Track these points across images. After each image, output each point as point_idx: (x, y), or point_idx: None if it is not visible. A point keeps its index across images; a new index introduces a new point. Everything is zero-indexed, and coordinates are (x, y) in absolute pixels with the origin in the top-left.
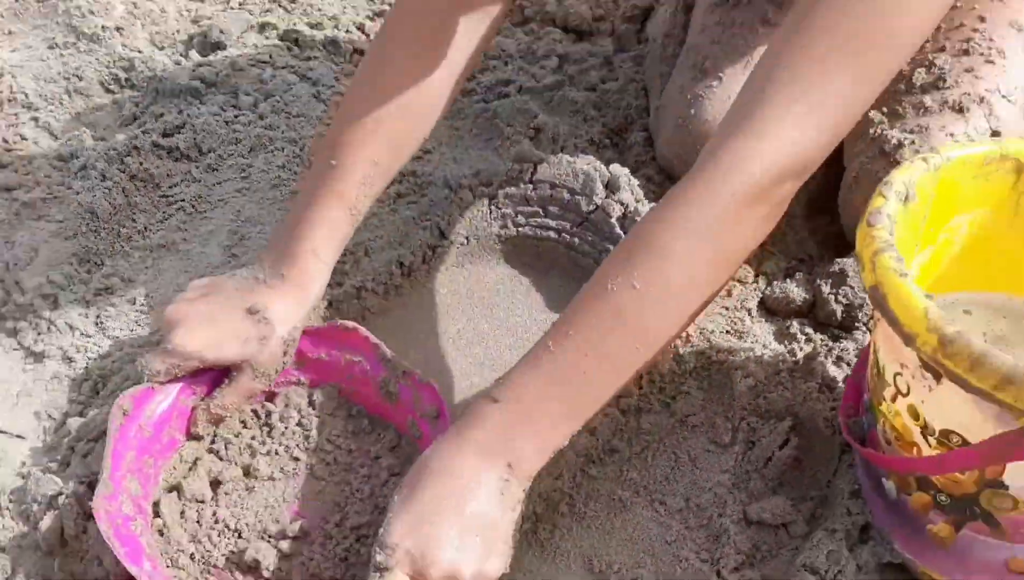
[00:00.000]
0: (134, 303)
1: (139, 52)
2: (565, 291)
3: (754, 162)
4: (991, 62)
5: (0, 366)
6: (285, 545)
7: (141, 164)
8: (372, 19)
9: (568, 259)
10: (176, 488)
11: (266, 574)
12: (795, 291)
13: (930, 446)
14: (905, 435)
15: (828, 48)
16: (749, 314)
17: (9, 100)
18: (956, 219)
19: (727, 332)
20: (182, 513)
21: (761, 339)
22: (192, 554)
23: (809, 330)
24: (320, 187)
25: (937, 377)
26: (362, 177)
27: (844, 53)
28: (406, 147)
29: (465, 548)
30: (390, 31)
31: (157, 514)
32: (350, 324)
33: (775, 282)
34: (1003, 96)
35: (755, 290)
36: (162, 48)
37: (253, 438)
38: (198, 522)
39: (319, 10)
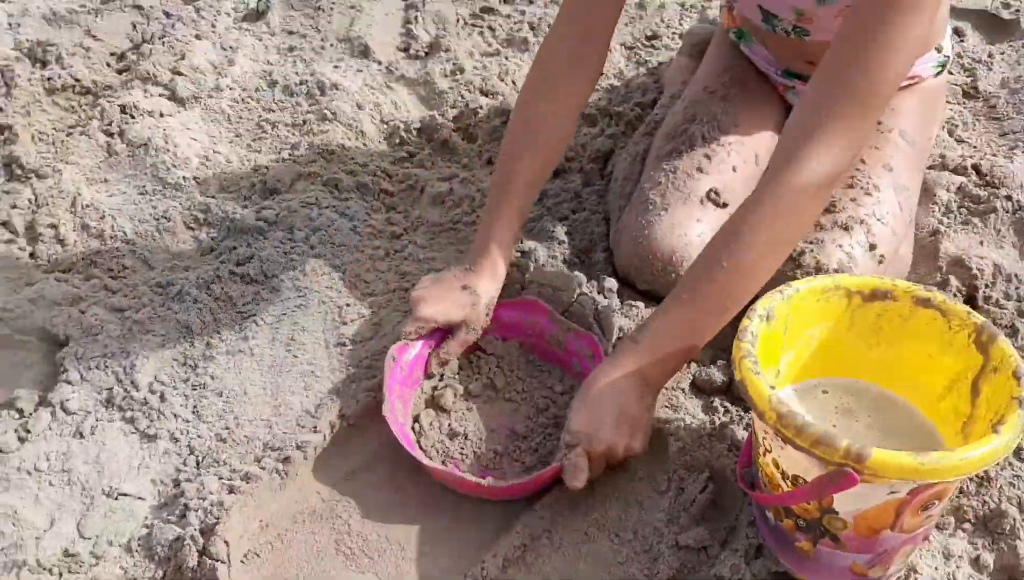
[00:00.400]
0: (221, 395)
1: (213, 197)
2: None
3: (809, 175)
4: (868, 194)
5: (122, 446)
6: (498, 445)
7: (222, 288)
8: (394, 164)
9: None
10: (428, 405)
11: (484, 462)
12: (717, 375)
13: (786, 486)
14: (773, 479)
15: (847, 96)
16: (683, 392)
17: (111, 237)
18: (809, 330)
19: (665, 406)
20: (431, 424)
21: (691, 411)
22: (439, 449)
23: (727, 404)
24: (496, 201)
25: (784, 439)
26: (523, 190)
27: (857, 100)
28: (549, 165)
29: (619, 431)
30: (537, 71)
31: (415, 423)
32: (530, 297)
33: (702, 367)
34: (877, 219)
35: (687, 374)
36: (230, 193)
37: (468, 376)
38: (440, 430)
39: (352, 159)
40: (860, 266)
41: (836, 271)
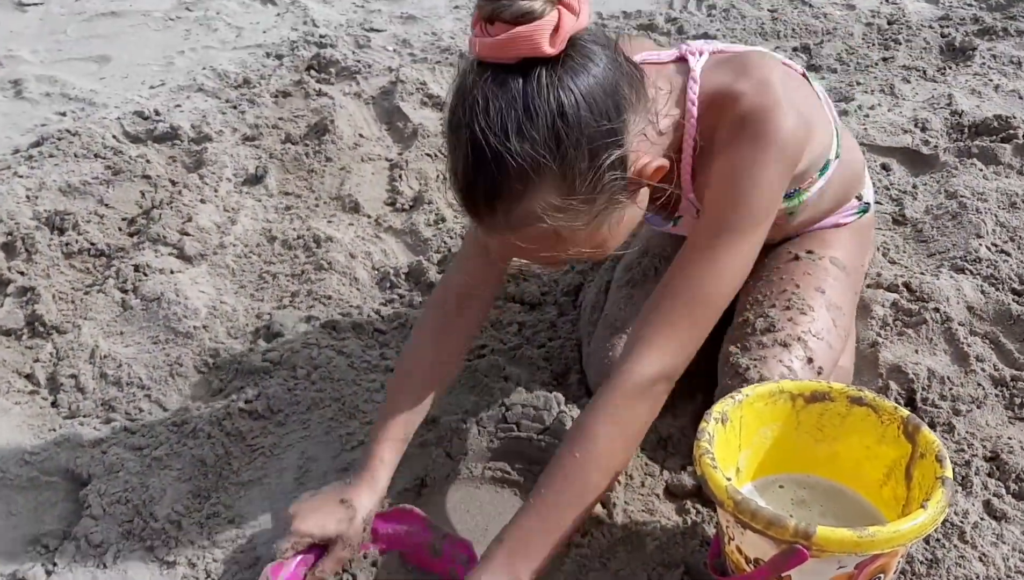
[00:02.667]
0: (233, 522)
1: (221, 343)
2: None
3: (637, 375)
4: (804, 313)
5: (143, 573)
6: None
7: (232, 424)
8: (385, 305)
9: (537, 453)
10: None
11: None
12: (687, 480)
13: (749, 569)
14: (739, 565)
15: (677, 307)
16: (657, 497)
17: (128, 383)
18: (762, 430)
19: (642, 511)
20: None
21: (665, 514)
22: None
23: (698, 506)
24: (382, 422)
25: (743, 526)
26: (405, 420)
27: (687, 310)
28: (438, 388)
29: None
30: (427, 310)
31: None
32: (407, 506)
33: (674, 474)
34: (813, 335)
35: (661, 480)
36: (237, 339)
37: None
38: None
39: (347, 303)
40: (799, 378)
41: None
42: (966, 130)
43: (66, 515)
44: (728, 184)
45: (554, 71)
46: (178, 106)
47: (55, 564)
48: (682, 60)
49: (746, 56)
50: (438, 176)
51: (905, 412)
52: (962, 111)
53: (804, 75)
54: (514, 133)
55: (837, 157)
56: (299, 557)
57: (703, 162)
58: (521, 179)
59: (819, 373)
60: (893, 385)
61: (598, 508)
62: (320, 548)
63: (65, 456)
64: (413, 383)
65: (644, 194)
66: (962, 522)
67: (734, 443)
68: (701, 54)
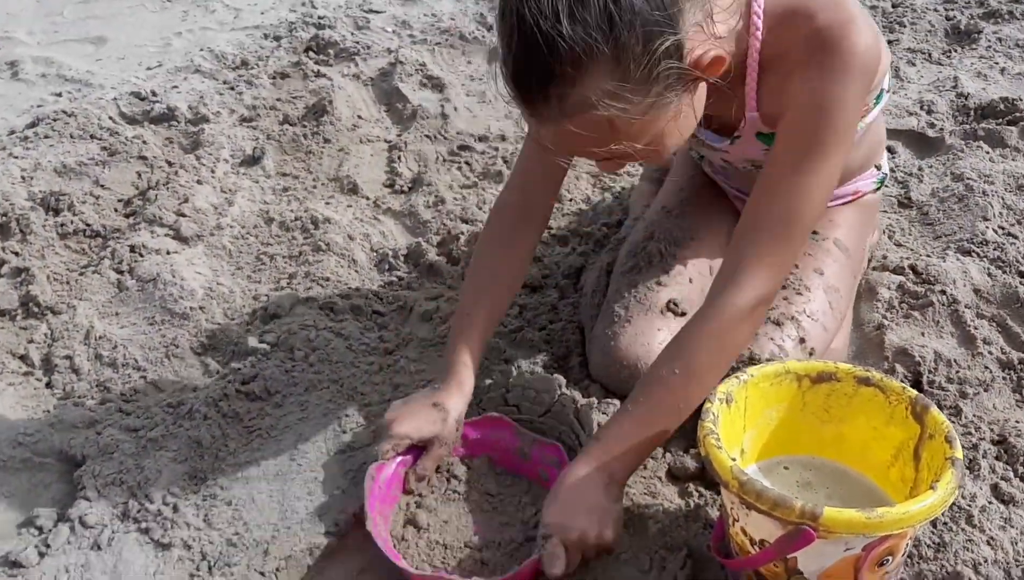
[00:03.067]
0: (230, 504)
1: (218, 324)
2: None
3: (741, 299)
4: (800, 294)
5: (138, 555)
6: (478, 552)
7: (229, 406)
8: (384, 287)
9: (539, 434)
10: (408, 523)
11: (468, 568)
12: (690, 462)
13: (755, 551)
14: (743, 547)
15: (771, 231)
16: (659, 480)
17: (123, 365)
18: (767, 411)
19: (644, 494)
20: (413, 539)
21: (668, 497)
22: (423, 562)
23: (701, 488)
24: (458, 332)
25: (748, 507)
26: (482, 325)
27: (780, 233)
28: (503, 303)
29: (590, 520)
30: (490, 225)
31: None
32: (495, 414)
33: (677, 457)
34: (808, 316)
35: (664, 463)
36: (234, 320)
37: (444, 491)
38: (421, 543)
39: (345, 285)
40: (790, 358)
41: (768, 361)
42: (972, 113)
43: (60, 497)
44: (809, 104)
45: None
46: (175, 87)
47: (48, 546)
48: None
49: None
50: (437, 157)
51: (913, 392)
52: (968, 94)
53: None
54: (565, 16)
55: (888, 90)
56: (399, 459)
57: (770, 80)
58: (574, 63)
59: (811, 354)
60: (899, 368)
61: None
62: (417, 450)
63: (59, 437)
64: (484, 290)
65: (701, 91)
66: (970, 505)
67: (739, 424)
68: None
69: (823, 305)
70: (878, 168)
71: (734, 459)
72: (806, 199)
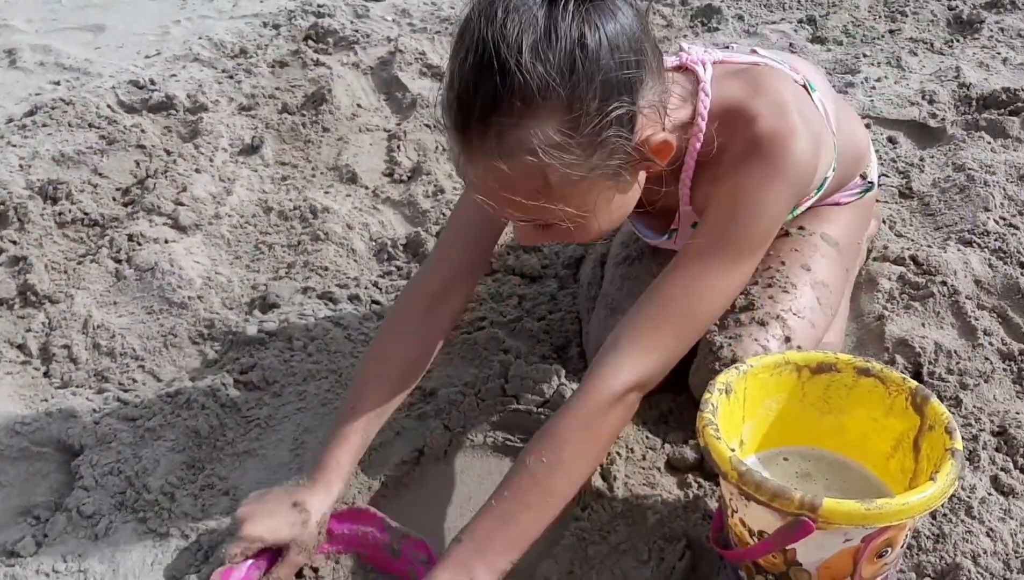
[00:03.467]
0: (227, 494)
1: (216, 314)
2: None
3: (613, 382)
4: (786, 291)
5: (136, 545)
6: None
7: (227, 395)
8: (383, 277)
9: (537, 425)
10: None
11: None
12: (689, 453)
13: (754, 542)
14: (742, 538)
15: (662, 318)
16: (658, 471)
17: (121, 354)
18: (766, 402)
19: (643, 484)
20: None
21: (667, 487)
22: None
23: (700, 479)
24: (341, 422)
25: (747, 498)
26: (365, 423)
27: (670, 322)
28: (402, 392)
29: None
30: (396, 312)
31: None
32: (362, 506)
33: (676, 448)
34: (794, 314)
35: (662, 454)
36: (232, 310)
37: None
38: None
39: (344, 274)
40: None
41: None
42: (974, 103)
43: (58, 486)
44: (734, 203)
45: (582, 4)
46: (174, 76)
47: (46, 535)
48: (684, 69)
49: (756, 72)
50: (437, 147)
51: (913, 383)
52: (970, 84)
53: (804, 87)
54: (528, 48)
55: (833, 170)
56: (250, 562)
57: (705, 175)
58: (524, 98)
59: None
60: (900, 359)
61: (599, 481)
62: (272, 553)
63: (57, 427)
64: (377, 385)
65: (639, 182)
66: (969, 497)
67: (738, 415)
68: (704, 64)
69: (811, 301)
70: (863, 177)
71: (733, 450)
72: (706, 297)
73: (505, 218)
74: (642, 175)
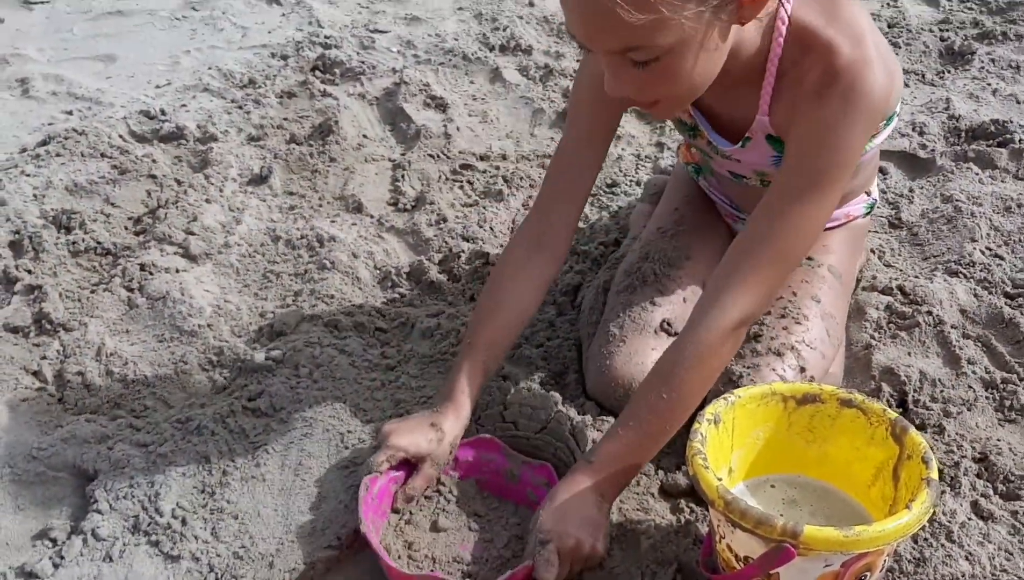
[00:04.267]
0: (237, 518)
1: (225, 342)
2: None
3: (723, 321)
4: (799, 322)
5: (148, 567)
6: (466, 566)
7: (236, 422)
8: (387, 304)
9: (535, 451)
10: (397, 536)
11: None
12: (681, 480)
13: (740, 567)
14: (729, 563)
15: (760, 258)
16: (652, 496)
17: (133, 381)
18: (754, 431)
19: (637, 509)
20: (399, 556)
21: (659, 513)
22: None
23: (692, 505)
24: (462, 359)
25: (733, 525)
26: (486, 351)
27: (769, 260)
28: (511, 333)
29: (586, 533)
30: (503, 258)
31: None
32: (486, 435)
33: (669, 474)
34: (807, 345)
35: (656, 480)
36: (240, 337)
37: (432, 511)
38: (410, 559)
39: (349, 302)
40: None
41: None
42: (963, 134)
43: (73, 510)
44: (814, 141)
45: None
46: (184, 106)
47: (62, 558)
48: None
49: None
50: (440, 176)
51: (893, 414)
52: (959, 115)
53: None
54: None
55: (897, 114)
56: (391, 474)
57: (784, 91)
58: None
59: (811, 382)
60: (885, 387)
61: None
62: (409, 467)
63: (72, 452)
64: (490, 324)
65: (727, 44)
66: (950, 522)
67: (727, 444)
68: None
69: (821, 333)
70: (868, 193)
71: (720, 479)
72: (800, 230)
73: (600, 50)
74: (729, 42)
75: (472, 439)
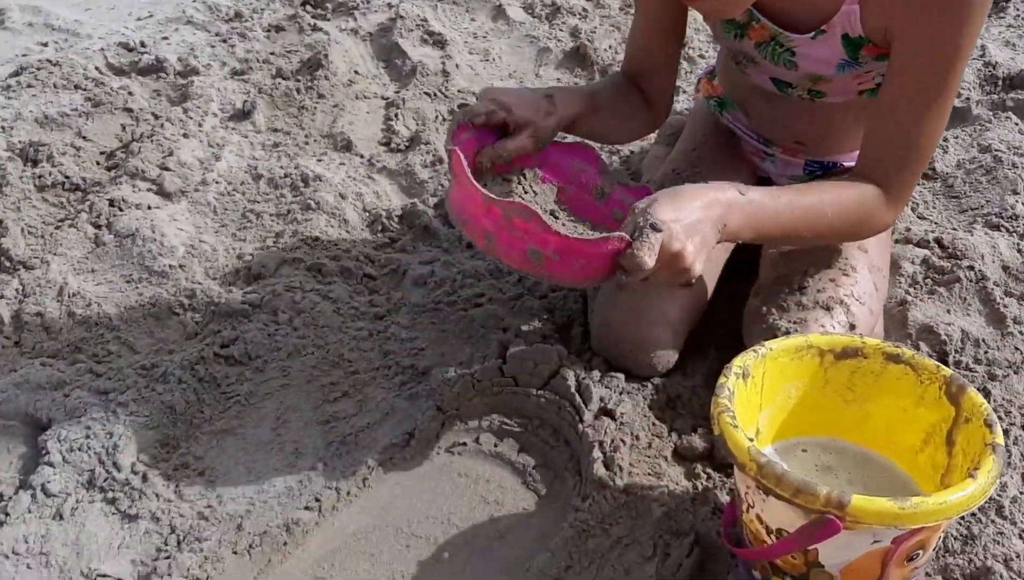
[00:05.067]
0: (203, 474)
1: (199, 284)
2: (539, 438)
3: (878, 225)
4: (847, 274)
5: (103, 527)
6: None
7: (206, 370)
8: (377, 249)
9: (536, 409)
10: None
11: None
12: (698, 442)
13: (771, 541)
14: (758, 535)
15: (911, 165)
16: (665, 459)
17: (96, 324)
18: (786, 387)
19: (648, 474)
20: None
21: (674, 478)
22: None
23: (709, 470)
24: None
25: (766, 492)
26: (601, 97)
27: (907, 165)
28: (622, 115)
29: (694, 244)
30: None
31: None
32: (589, 142)
33: (684, 436)
34: (856, 299)
35: (669, 442)
36: (215, 280)
37: (506, 193)
38: None
39: (335, 246)
40: None
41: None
42: (1000, 83)
43: (24, 462)
44: (932, 48)
45: None
46: (165, 39)
47: (7, 515)
48: None
49: None
50: (436, 116)
51: (948, 371)
52: (996, 63)
53: None
54: None
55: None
56: (480, 133)
57: None
58: None
59: None
60: (923, 346)
61: (600, 469)
62: (496, 136)
63: (24, 398)
64: (600, 90)
65: None
66: (1000, 495)
67: (755, 401)
68: None
69: (869, 287)
70: None
71: (751, 439)
72: (929, 137)
73: None
74: None
75: (568, 143)
